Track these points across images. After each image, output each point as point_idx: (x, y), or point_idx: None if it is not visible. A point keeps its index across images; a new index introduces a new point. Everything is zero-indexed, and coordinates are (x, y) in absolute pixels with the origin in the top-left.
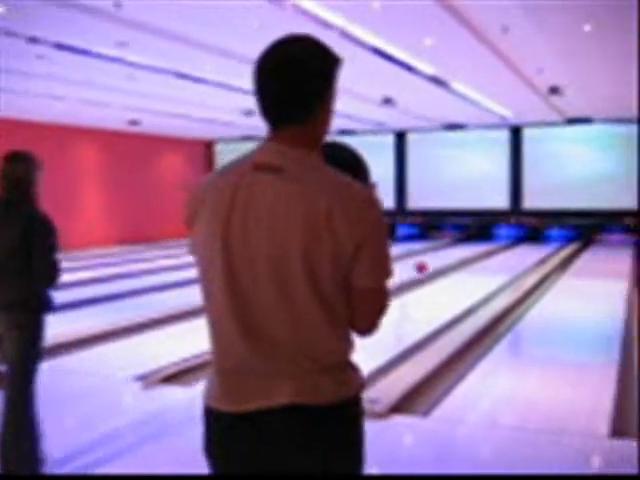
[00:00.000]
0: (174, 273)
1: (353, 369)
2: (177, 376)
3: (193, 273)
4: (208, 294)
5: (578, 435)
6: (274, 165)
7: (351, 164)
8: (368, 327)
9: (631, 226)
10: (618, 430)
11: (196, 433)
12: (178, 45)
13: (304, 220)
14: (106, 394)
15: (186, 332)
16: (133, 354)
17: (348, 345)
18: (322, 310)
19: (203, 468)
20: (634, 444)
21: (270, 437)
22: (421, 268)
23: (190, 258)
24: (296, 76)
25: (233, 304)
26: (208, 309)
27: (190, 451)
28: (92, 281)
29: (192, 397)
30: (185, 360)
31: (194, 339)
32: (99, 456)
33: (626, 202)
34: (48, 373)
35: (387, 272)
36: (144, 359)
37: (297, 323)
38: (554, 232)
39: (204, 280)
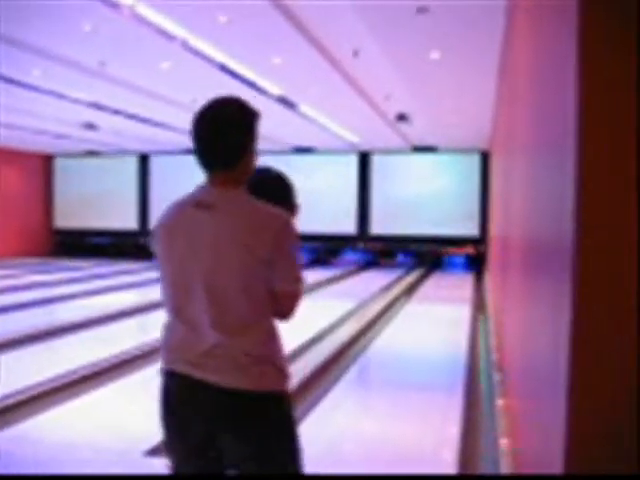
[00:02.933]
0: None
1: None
2: None
3: (15, 298)
4: (166, 295)
5: (426, 467)
6: (209, 203)
7: (278, 185)
8: (288, 314)
9: (472, 253)
10: (464, 460)
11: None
12: (4, 47)
13: (230, 245)
14: None
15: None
16: None
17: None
18: (249, 310)
19: None
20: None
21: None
22: None
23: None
24: (224, 133)
25: (181, 306)
26: (167, 305)
27: None
28: None
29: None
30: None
31: (4, 374)
32: None
33: (468, 230)
34: None
35: (296, 278)
36: None
37: (225, 321)
38: (399, 258)
39: (163, 281)
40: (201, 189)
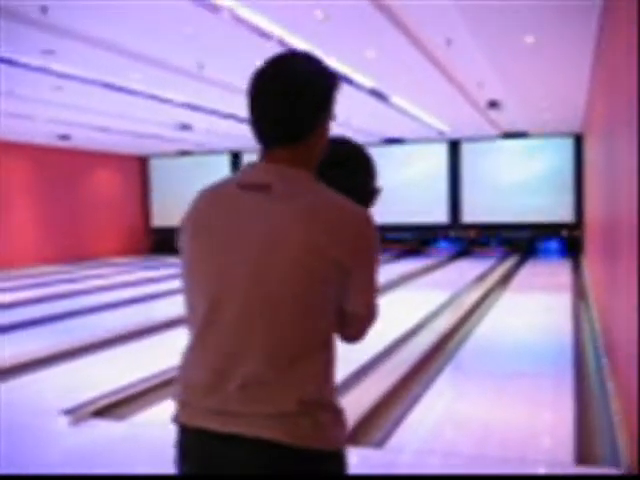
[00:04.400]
0: (108, 293)
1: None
2: (110, 409)
3: (129, 293)
4: (191, 307)
5: (541, 463)
6: (262, 183)
7: (354, 159)
8: (356, 339)
9: (567, 238)
10: (582, 456)
11: (130, 471)
12: (106, 53)
13: (291, 242)
14: (30, 429)
15: (121, 357)
16: (62, 384)
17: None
18: (306, 335)
19: None
20: (601, 471)
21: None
22: None
23: (123, 277)
24: (297, 97)
25: (207, 326)
26: (191, 321)
27: None
28: (20, 303)
29: (126, 432)
30: (118, 391)
31: (129, 365)
32: None
33: (563, 215)
34: None
35: (374, 297)
36: (74, 389)
37: (271, 348)
38: (493, 246)
39: (186, 290)
40: (251, 166)
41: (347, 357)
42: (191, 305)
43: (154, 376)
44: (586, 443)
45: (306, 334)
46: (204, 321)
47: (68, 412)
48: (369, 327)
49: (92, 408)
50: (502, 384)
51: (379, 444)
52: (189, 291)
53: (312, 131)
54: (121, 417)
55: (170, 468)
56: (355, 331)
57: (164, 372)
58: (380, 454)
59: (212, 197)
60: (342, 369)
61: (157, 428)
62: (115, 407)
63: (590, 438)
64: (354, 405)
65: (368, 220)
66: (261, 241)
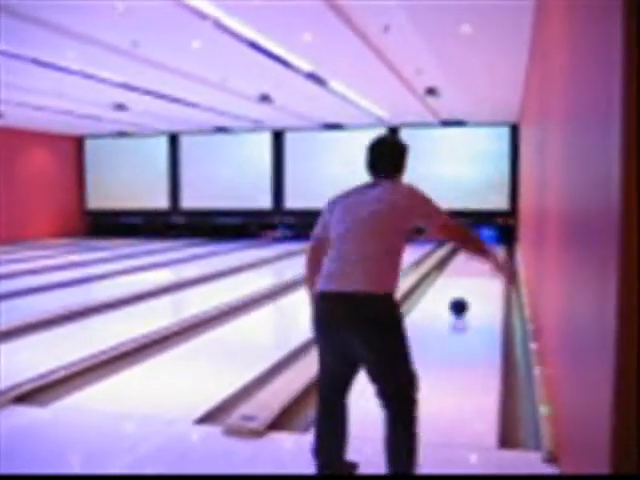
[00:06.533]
0: (37, 277)
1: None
2: (32, 394)
3: (59, 276)
4: (334, 239)
5: (465, 447)
6: (376, 184)
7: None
8: (456, 237)
9: (503, 226)
10: (505, 440)
11: (52, 462)
12: (37, 29)
13: (383, 201)
14: None
15: (45, 343)
16: None
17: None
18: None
19: None
20: (523, 455)
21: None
22: None
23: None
24: (391, 155)
25: (345, 241)
26: (334, 245)
27: None
28: None
29: (48, 418)
30: (42, 376)
31: (52, 350)
32: None
33: (498, 203)
34: None
35: (437, 214)
36: None
37: (369, 254)
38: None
39: (334, 232)
40: (371, 182)
41: (285, 340)
42: (331, 237)
43: (78, 362)
44: (510, 428)
45: (376, 247)
46: (339, 241)
47: None
48: (452, 228)
49: (14, 394)
50: (433, 370)
51: (306, 429)
52: (332, 229)
53: (397, 173)
54: (44, 403)
55: (95, 453)
56: (450, 235)
57: (88, 357)
58: (307, 439)
59: (350, 189)
60: (277, 352)
61: (80, 414)
62: (38, 393)
63: (514, 423)
64: (283, 390)
65: (414, 188)
66: (373, 201)
